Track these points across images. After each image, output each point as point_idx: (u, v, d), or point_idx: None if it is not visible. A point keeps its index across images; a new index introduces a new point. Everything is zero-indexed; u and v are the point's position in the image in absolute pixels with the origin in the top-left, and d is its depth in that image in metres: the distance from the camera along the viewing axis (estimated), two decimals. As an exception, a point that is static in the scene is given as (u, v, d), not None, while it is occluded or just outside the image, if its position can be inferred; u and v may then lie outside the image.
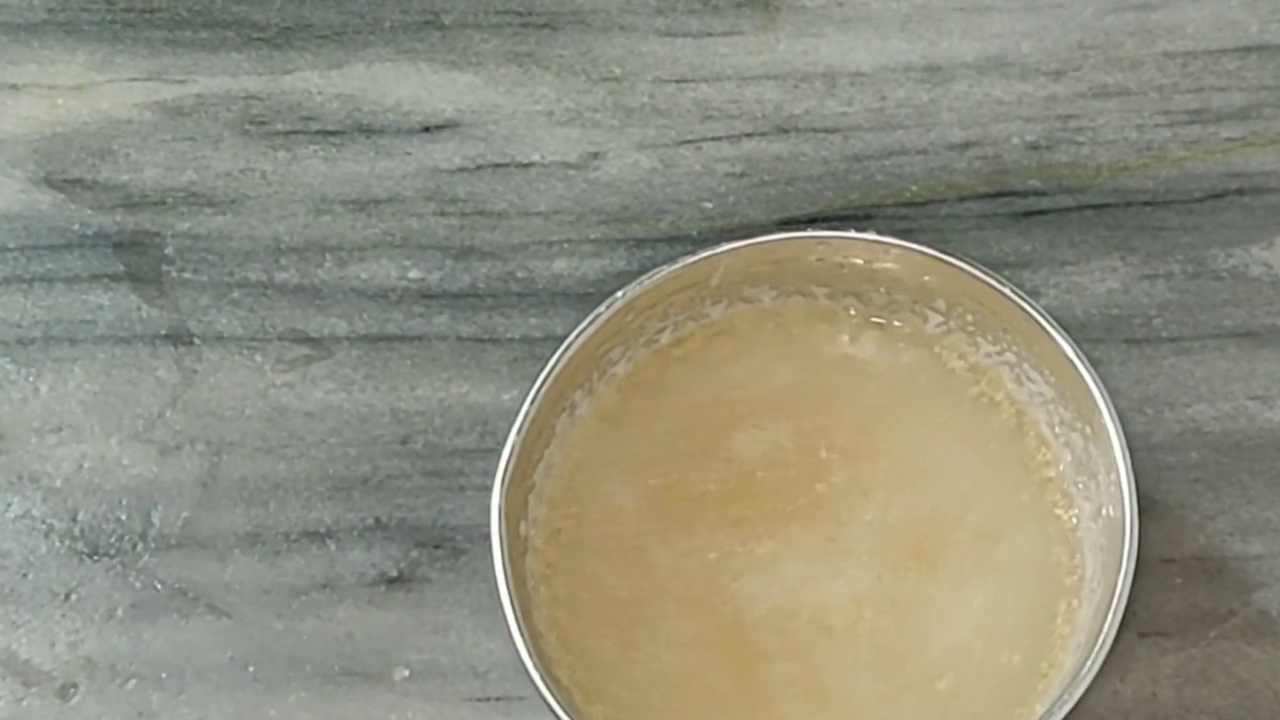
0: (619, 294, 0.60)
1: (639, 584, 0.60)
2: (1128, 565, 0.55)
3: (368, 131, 0.71)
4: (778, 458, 0.61)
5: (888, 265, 0.61)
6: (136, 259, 0.70)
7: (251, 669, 0.63)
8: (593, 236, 0.69)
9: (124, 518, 0.66)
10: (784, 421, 0.62)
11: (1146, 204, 0.69)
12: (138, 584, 0.65)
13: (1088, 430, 0.59)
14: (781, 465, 0.61)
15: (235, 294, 0.69)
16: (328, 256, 0.69)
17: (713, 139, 0.71)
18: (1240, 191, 0.69)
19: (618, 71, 0.72)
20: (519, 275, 0.69)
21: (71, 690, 0.63)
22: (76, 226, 0.70)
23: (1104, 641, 0.54)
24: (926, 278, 0.61)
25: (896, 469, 0.61)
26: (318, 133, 0.71)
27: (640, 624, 0.60)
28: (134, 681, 0.63)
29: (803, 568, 0.60)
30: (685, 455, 0.62)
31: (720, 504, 0.61)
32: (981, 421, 0.62)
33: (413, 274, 0.69)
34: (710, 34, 0.73)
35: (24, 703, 0.63)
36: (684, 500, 0.61)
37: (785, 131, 0.71)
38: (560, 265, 0.69)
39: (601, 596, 0.60)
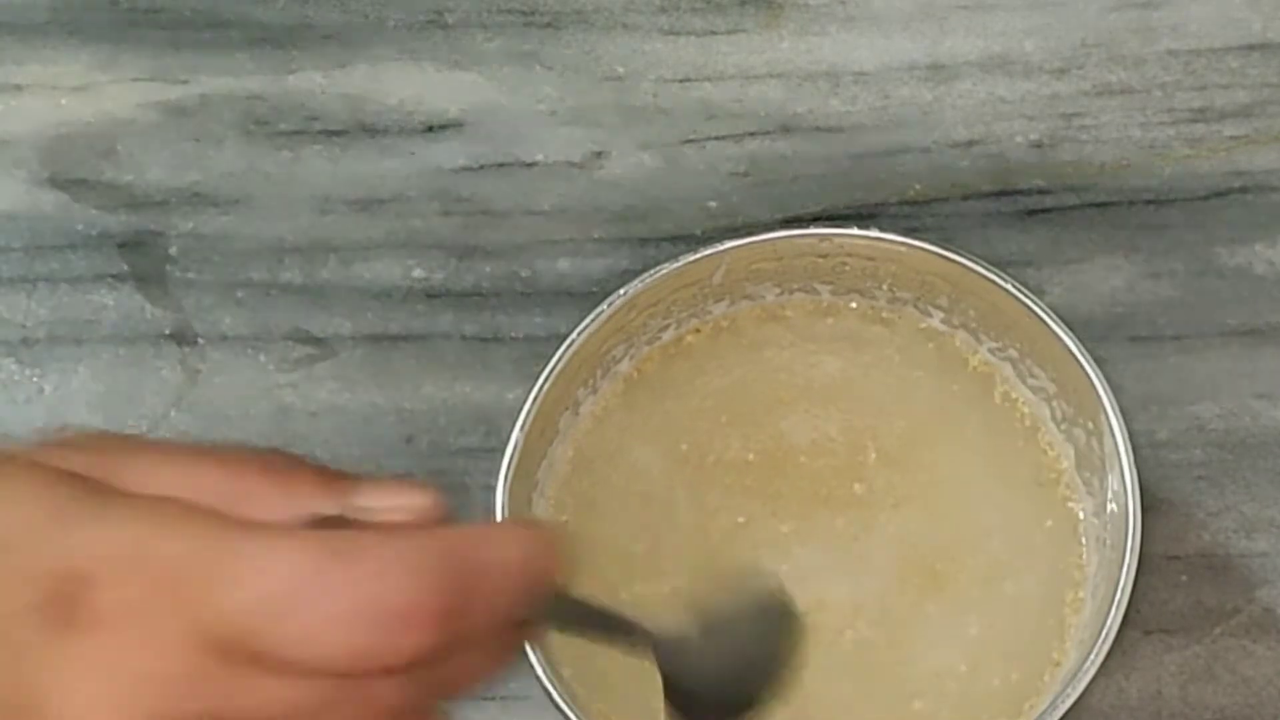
0: (621, 291, 0.60)
1: (657, 538, 0.61)
2: (1130, 560, 0.55)
3: (371, 131, 0.71)
4: (825, 447, 0.62)
5: (890, 263, 0.61)
6: (140, 259, 0.70)
7: (256, 668, 0.63)
8: (596, 235, 0.69)
9: (128, 517, 0.66)
10: (835, 414, 0.62)
11: (1150, 202, 0.69)
12: (142, 583, 0.65)
13: (1090, 426, 0.59)
14: (828, 454, 0.62)
15: (239, 294, 0.69)
16: (331, 256, 0.70)
17: (716, 138, 0.71)
18: (1244, 189, 0.69)
19: (621, 71, 0.72)
20: (523, 274, 0.69)
21: (76, 690, 0.63)
22: (80, 227, 0.70)
23: (1106, 636, 0.54)
24: (929, 275, 0.61)
25: (933, 487, 0.61)
26: (321, 133, 0.72)
27: (644, 578, 0.60)
28: (138, 681, 0.63)
29: (817, 559, 0.60)
30: (727, 426, 0.62)
31: (760, 475, 0.61)
32: (1005, 428, 0.62)
33: (416, 273, 0.69)
34: (714, 33, 0.73)
35: (28, 702, 0.63)
36: (720, 465, 0.62)
37: (789, 130, 0.71)
38: (564, 264, 0.69)
39: (613, 555, 0.60)
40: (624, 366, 0.63)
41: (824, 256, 0.62)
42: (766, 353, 0.63)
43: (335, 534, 0.37)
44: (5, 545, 0.36)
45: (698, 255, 0.61)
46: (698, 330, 0.63)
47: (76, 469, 0.38)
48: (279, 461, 0.40)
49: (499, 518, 0.57)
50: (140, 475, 0.38)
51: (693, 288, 0.62)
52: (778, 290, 0.63)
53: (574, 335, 0.59)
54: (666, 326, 0.63)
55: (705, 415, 0.62)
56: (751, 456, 0.62)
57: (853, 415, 0.62)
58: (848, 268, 0.62)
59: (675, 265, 0.61)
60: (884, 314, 0.63)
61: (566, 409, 0.61)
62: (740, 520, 0.61)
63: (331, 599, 0.35)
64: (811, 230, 0.62)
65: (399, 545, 0.36)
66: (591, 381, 0.62)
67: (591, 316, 0.60)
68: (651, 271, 0.60)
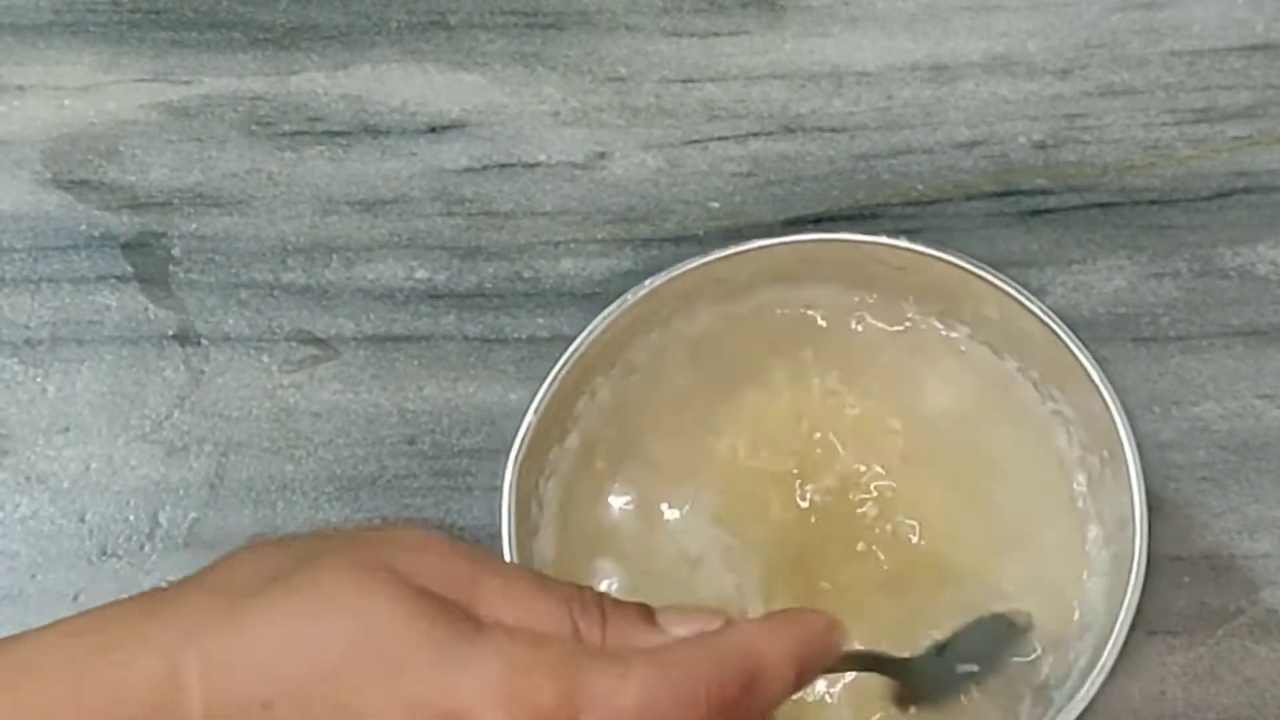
0: (646, 283, 0.60)
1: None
2: (1139, 561, 0.55)
3: (374, 132, 0.71)
4: (848, 434, 0.62)
5: (920, 273, 0.61)
6: (143, 260, 0.70)
7: (259, 669, 0.63)
8: (599, 236, 0.69)
9: (131, 518, 0.66)
10: (874, 403, 0.63)
11: (1153, 202, 0.69)
12: (145, 585, 0.65)
13: (1095, 429, 0.59)
14: (854, 438, 0.62)
15: (242, 294, 0.69)
16: (334, 257, 0.69)
17: (719, 139, 0.71)
18: (1247, 190, 0.69)
19: (624, 71, 0.72)
20: (525, 275, 0.69)
21: (79, 691, 0.63)
22: (83, 227, 0.70)
23: (1116, 639, 0.54)
24: (951, 287, 0.61)
25: (938, 483, 0.61)
26: (324, 133, 0.71)
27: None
28: (142, 682, 0.63)
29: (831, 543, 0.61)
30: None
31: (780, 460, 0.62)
32: (1011, 430, 0.62)
33: (419, 274, 0.69)
34: (716, 34, 0.73)
35: (32, 703, 0.63)
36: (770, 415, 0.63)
37: (792, 131, 0.71)
38: (567, 265, 0.69)
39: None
40: (643, 357, 0.63)
41: (848, 260, 0.62)
42: (793, 350, 0.64)
43: (659, 657, 0.44)
44: (397, 671, 0.42)
45: (727, 252, 0.61)
46: (715, 329, 0.63)
47: (433, 587, 0.44)
48: (593, 597, 0.46)
49: (506, 496, 0.57)
50: (491, 603, 0.44)
51: (719, 284, 0.62)
52: (804, 291, 0.63)
53: (597, 323, 0.60)
54: (691, 320, 0.63)
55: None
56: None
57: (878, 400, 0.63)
58: (876, 274, 0.62)
59: (703, 260, 0.61)
60: (911, 321, 0.63)
61: (584, 395, 0.61)
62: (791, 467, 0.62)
63: (665, 710, 0.43)
64: (843, 236, 0.62)
65: (703, 660, 0.44)
66: (611, 369, 0.62)
67: (616, 304, 0.60)
68: (679, 265, 0.60)
